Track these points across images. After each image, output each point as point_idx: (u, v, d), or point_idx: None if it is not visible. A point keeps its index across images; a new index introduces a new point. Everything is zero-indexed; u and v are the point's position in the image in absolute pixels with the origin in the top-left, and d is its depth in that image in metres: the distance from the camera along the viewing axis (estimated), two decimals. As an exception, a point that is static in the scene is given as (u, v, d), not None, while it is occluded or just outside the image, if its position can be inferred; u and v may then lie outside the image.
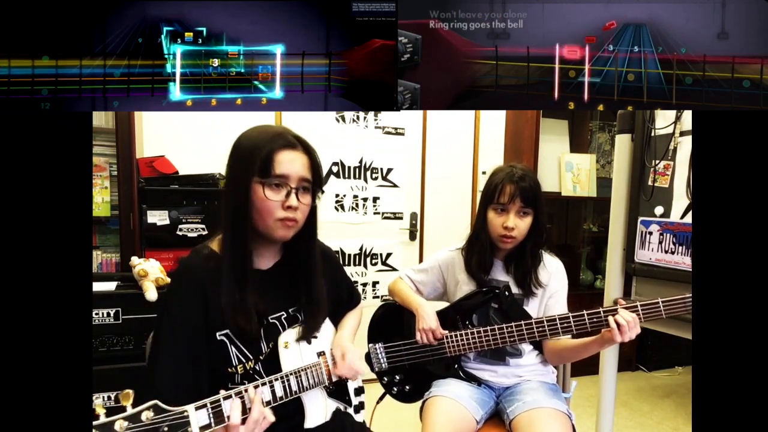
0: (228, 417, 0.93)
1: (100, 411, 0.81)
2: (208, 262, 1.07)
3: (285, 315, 1.14)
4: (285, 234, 1.07)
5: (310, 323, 1.16)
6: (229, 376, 1.07)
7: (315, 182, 1.09)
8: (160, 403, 0.85)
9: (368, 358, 1.55)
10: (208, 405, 0.91)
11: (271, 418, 0.98)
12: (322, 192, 1.12)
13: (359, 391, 1.29)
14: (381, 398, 1.57)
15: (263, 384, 1.01)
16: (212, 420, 0.90)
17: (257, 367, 1.08)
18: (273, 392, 1.03)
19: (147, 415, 0.83)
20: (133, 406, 0.84)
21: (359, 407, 1.27)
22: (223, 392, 0.95)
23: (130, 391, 0.84)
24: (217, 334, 1.04)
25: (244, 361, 1.07)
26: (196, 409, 0.89)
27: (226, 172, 1.08)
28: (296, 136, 1.08)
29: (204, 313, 1.03)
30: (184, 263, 1.10)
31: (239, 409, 0.94)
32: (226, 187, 1.09)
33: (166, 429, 0.84)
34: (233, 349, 1.06)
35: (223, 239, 1.08)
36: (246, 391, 0.97)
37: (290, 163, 1.04)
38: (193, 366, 1.02)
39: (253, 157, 1.02)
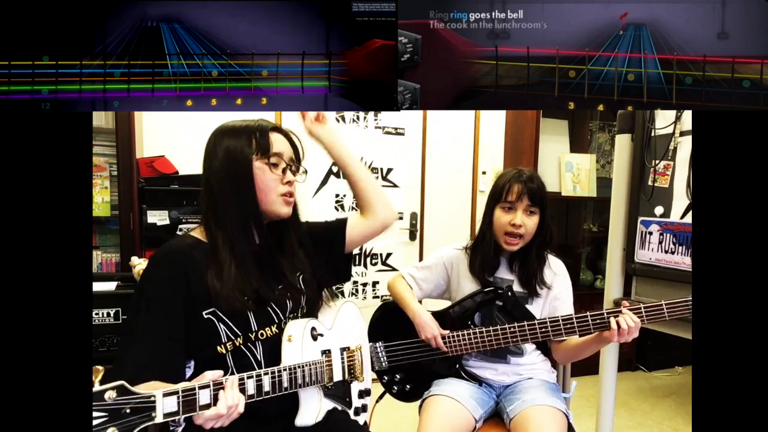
0: (200, 407, 0.88)
1: None
2: (192, 249, 1.08)
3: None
4: (287, 210, 1.14)
5: (298, 300, 1.17)
6: (220, 358, 1.06)
7: (298, 161, 1.18)
8: (126, 385, 0.82)
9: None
10: (180, 392, 0.86)
11: (241, 410, 0.93)
12: (305, 171, 1.20)
13: (364, 393, 1.27)
14: (380, 397, 1.57)
15: (249, 377, 0.98)
16: (181, 408, 0.86)
17: (250, 346, 1.09)
18: (259, 386, 0.99)
19: (110, 395, 0.79)
20: (102, 384, 0.80)
21: (361, 409, 1.25)
22: (210, 374, 0.91)
23: (100, 368, 0.82)
24: (204, 312, 1.04)
25: (233, 338, 1.07)
26: (165, 395, 0.85)
27: (215, 158, 1.10)
28: (278, 125, 1.17)
29: (186, 295, 1.03)
30: (167, 247, 1.10)
31: (231, 401, 0.91)
32: (220, 170, 1.09)
33: (128, 411, 0.80)
34: (221, 326, 1.06)
35: (213, 221, 1.09)
36: (226, 381, 0.93)
37: (281, 143, 1.14)
38: (169, 348, 1.01)
39: (250, 138, 1.10)
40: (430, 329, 1.46)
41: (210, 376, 0.91)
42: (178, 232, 2.29)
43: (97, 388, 0.80)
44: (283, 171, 1.12)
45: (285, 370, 1.05)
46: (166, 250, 1.09)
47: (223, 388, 0.91)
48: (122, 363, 0.98)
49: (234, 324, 1.07)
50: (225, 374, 1.03)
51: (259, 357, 1.10)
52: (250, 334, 1.09)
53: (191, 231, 1.16)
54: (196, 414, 0.88)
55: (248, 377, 0.98)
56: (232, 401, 0.91)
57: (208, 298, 1.04)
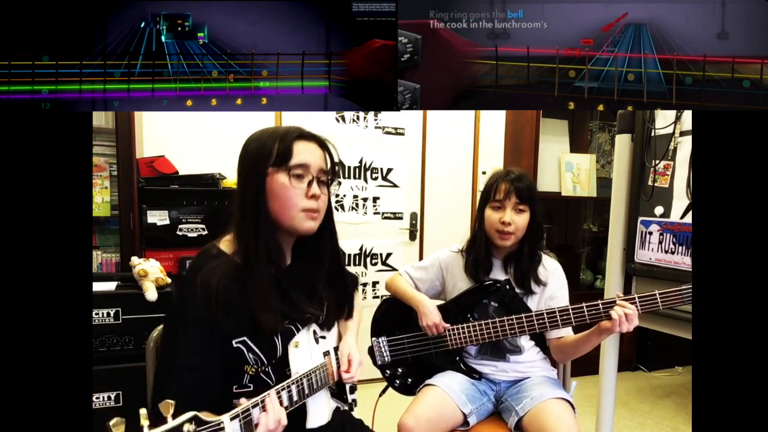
0: (256, 425, 0.90)
1: (144, 422, 0.78)
2: (219, 265, 1.03)
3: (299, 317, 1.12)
4: (310, 226, 1.06)
5: (323, 325, 1.15)
6: (239, 378, 1.05)
7: (332, 174, 1.09)
8: (200, 415, 0.82)
9: (371, 351, 1.57)
10: (240, 415, 0.89)
11: (285, 422, 0.95)
12: (339, 184, 1.12)
13: (353, 389, 1.29)
14: (383, 391, 1.58)
15: (283, 389, 0.98)
16: (243, 429, 0.88)
17: (267, 370, 1.07)
18: (290, 397, 1.01)
19: (188, 428, 0.81)
20: (174, 417, 0.81)
21: (353, 404, 1.27)
22: (245, 400, 0.92)
23: (171, 402, 0.82)
24: (234, 341, 1.01)
25: (258, 365, 1.05)
26: (231, 419, 0.87)
27: (240, 169, 1.06)
28: (309, 132, 1.08)
29: (219, 319, 0.99)
30: (195, 267, 1.05)
31: (274, 416, 0.92)
32: (240, 183, 1.07)
33: None
34: (250, 355, 1.03)
35: (238, 238, 1.04)
36: (268, 396, 0.94)
37: (309, 153, 1.05)
38: (212, 375, 1.00)
39: (269, 148, 1.03)
40: (432, 316, 1.48)
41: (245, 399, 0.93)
42: (177, 232, 2.29)
43: (173, 422, 0.80)
44: (309, 183, 1.03)
45: (305, 377, 1.05)
46: (196, 270, 1.03)
47: (264, 406, 0.93)
48: (165, 393, 0.96)
49: (262, 352, 1.05)
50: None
51: (268, 371, 1.08)
52: (273, 360, 1.07)
53: (217, 242, 1.10)
54: None
55: (281, 389, 0.99)
56: (277, 415, 0.93)
57: (240, 325, 1.01)
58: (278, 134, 1.04)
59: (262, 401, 0.93)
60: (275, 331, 1.04)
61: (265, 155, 1.02)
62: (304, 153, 1.04)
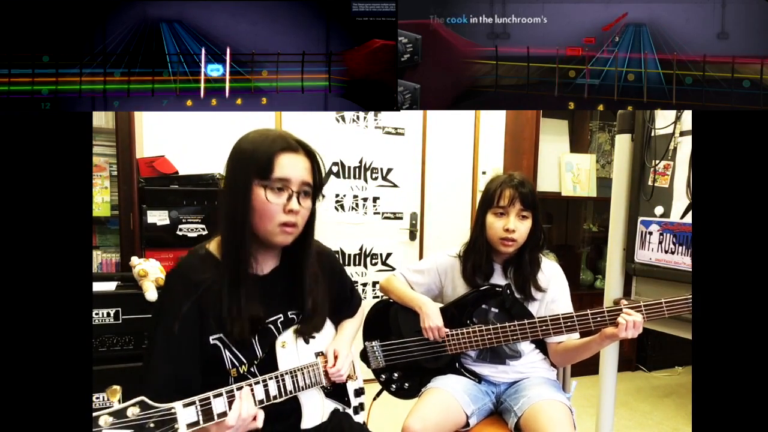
0: (218, 415, 0.92)
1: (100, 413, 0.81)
2: (204, 264, 1.07)
3: (282, 318, 1.13)
4: (284, 240, 1.07)
5: (306, 326, 1.15)
6: (223, 378, 1.06)
7: (316, 186, 1.09)
8: (147, 400, 0.85)
9: (365, 355, 1.55)
10: (197, 402, 0.90)
11: (260, 423, 0.96)
12: (323, 196, 1.11)
13: (359, 392, 1.28)
14: (377, 395, 1.58)
15: (257, 383, 1.00)
16: (200, 417, 0.90)
17: (252, 370, 1.08)
18: (266, 392, 1.02)
19: (133, 411, 0.83)
20: (122, 402, 0.84)
21: (359, 408, 1.26)
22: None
23: (118, 387, 0.84)
24: (211, 338, 1.04)
25: (237, 365, 1.06)
26: (184, 406, 0.88)
27: (226, 174, 1.07)
28: (298, 140, 1.08)
29: (198, 316, 1.02)
30: (180, 264, 1.09)
31: (237, 408, 0.94)
32: (225, 189, 1.07)
33: (152, 425, 0.84)
34: (227, 352, 1.05)
35: (222, 244, 1.07)
36: (238, 390, 0.96)
37: (292, 167, 1.04)
38: (186, 369, 1.01)
39: (253, 159, 1.02)
40: (435, 319, 1.46)
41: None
42: (177, 232, 2.29)
43: (118, 406, 0.82)
44: (289, 198, 1.03)
45: (287, 373, 1.06)
46: (180, 269, 1.08)
47: (231, 397, 0.94)
48: (145, 384, 1.00)
49: (240, 352, 1.06)
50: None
51: (254, 371, 1.09)
52: (255, 361, 1.08)
53: (207, 243, 1.12)
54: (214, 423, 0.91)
55: (256, 383, 1.00)
56: (247, 413, 0.94)
57: (217, 323, 1.03)
58: (264, 145, 1.03)
59: (229, 392, 0.94)
60: (246, 336, 1.05)
61: (248, 166, 1.02)
62: (286, 167, 1.03)
